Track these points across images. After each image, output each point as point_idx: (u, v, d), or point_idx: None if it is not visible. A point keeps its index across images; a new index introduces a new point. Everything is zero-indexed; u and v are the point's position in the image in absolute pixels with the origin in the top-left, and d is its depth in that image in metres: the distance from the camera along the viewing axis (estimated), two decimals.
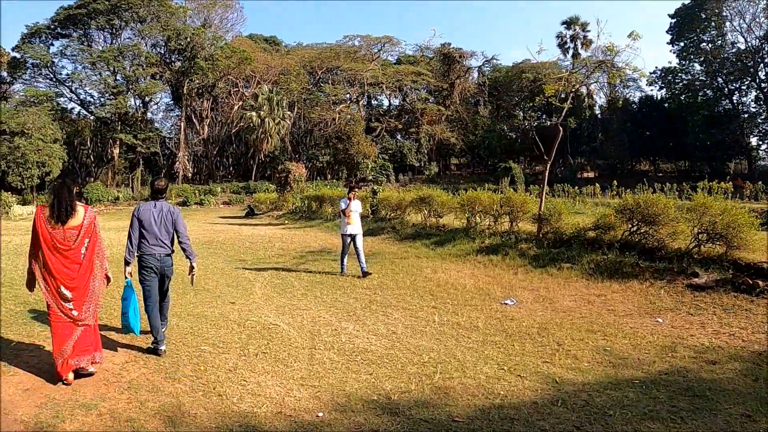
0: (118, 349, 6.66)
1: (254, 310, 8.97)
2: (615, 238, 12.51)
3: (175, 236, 6.79)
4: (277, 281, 11.49)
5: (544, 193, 15.28)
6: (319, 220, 25.50)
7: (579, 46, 61.10)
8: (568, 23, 60.79)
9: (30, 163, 38.60)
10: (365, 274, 12.01)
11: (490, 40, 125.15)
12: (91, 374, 5.62)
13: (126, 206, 43.02)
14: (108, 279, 5.89)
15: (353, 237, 12.33)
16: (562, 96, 17.61)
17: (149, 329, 6.55)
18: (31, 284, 5.58)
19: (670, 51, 60.08)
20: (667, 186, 31.95)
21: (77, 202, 5.57)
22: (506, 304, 9.57)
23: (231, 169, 60.43)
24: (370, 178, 43.94)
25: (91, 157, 53.39)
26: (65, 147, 44.05)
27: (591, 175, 59.34)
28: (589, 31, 60.36)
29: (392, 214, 21.74)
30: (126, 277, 6.35)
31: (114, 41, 51.47)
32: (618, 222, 12.59)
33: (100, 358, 5.76)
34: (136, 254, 6.50)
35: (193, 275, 7.08)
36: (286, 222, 27.04)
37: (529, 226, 15.26)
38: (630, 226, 12.32)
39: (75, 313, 5.43)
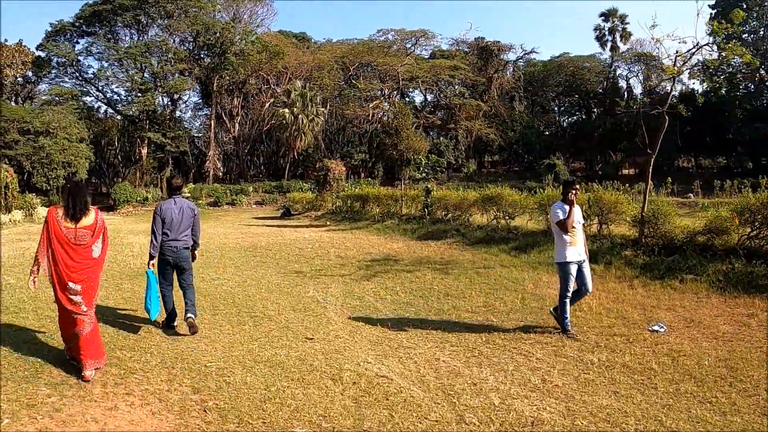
0: None
1: (343, 350, 6.58)
2: (729, 243, 10.78)
3: (191, 232, 7.19)
4: (354, 302, 9.08)
5: (648, 191, 12.77)
6: (365, 221, 23.10)
7: (618, 38, 58.87)
8: (606, 15, 58.54)
9: (55, 164, 36.84)
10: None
11: (525, 33, 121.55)
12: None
13: (154, 207, 41.20)
14: None
15: (580, 265, 7.41)
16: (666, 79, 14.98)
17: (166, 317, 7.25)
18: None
19: (711, 44, 56.77)
20: (727, 183, 29.54)
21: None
22: (656, 330, 7.33)
23: (262, 168, 58.51)
24: (418, 176, 41.35)
25: (119, 157, 51.83)
26: (92, 147, 42.25)
27: (629, 172, 56.46)
28: (628, 23, 58.23)
29: (450, 215, 19.37)
30: (150, 269, 6.82)
31: (141, 38, 49.50)
32: (730, 224, 10.77)
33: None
34: (158, 249, 6.89)
35: (194, 258, 7.46)
36: (328, 223, 24.71)
37: (622, 229, 13.17)
38: (750, 229, 10.58)
39: (84, 308, 5.52)
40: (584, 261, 7.42)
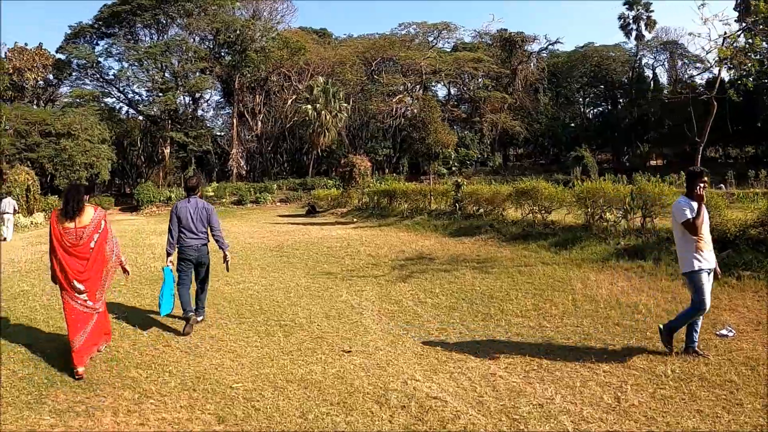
0: None
1: (385, 364, 5.81)
2: None
3: (209, 230, 7.25)
4: (392, 307, 8.29)
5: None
6: (393, 217, 22.33)
7: (642, 26, 57.53)
8: (630, 3, 57.39)
9: (77, 165, 36.54)
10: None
11: (547, 24, 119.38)
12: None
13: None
14: (125, 270, 6.30)
15: (709, 273, 5.97)
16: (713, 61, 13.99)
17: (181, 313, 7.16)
18: (54, 278, 5.77)
19: (739, 29, 55.06)
20: (762, 173, 28.24)
21: (87, 204, 5.85)
22: (725, 335, 6.51)
23: (285, 165, 57.89)
24: (444, 170, 40.17)
25: (142, 157, 51.58)
26: (114, 148, 41.94)
27: (656, 163, 55.11)
28: (652, 11, 56.92)
29: (482, 210, 18.52)
30: (167, 265, 6.94)
31: (161, 37, 49.06)
32: None
33: (105, 342, 6.19)
34: (176, 246, 7.05)
35: (228, 261, 7.42)
36: (355, 220, 23.98)
37: (667, 221, 12.05)
38: None
39: (90, 303, 5.73)
40: (712, 270, 6.03)
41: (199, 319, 7.25)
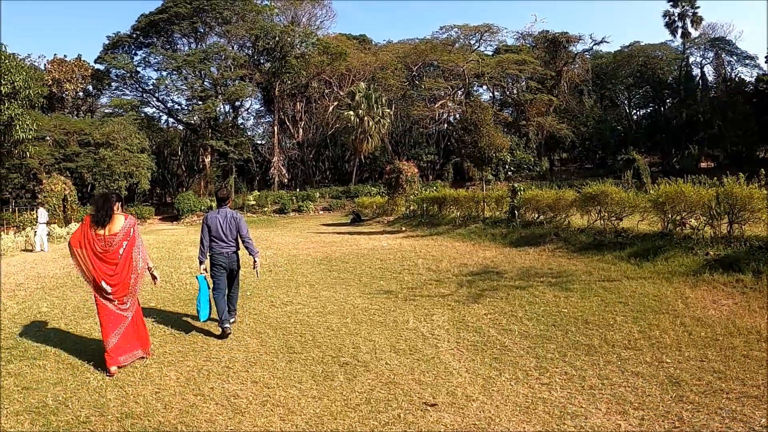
0: None
1: (486, 424, 4.38)
2: None
3: (239, 238, 7.41)
4: (472, 336, 6.78)
5: None
6: (445, 225, 20.81)
7: (688, 24, 55.49)
8: (675, 0, 54.80)
9: (116, 174, 36.06)
10: None
11: (589, 23, 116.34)
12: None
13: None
14: (154, 277, 6.40)
15: None
16: None
17: (216, 317, 7.24)
18: (85, 278, 5.97)
19: None
20: None
21: (117, 212, 5.98)
22: None
23: (327, 173, 57.03)
24: (490, 176, 38.03)
25: (183, 166, 51.27)
26: (153, 157, 41.52)
27: (706, 165, 52.66)
28: (698, 7, 54.79)
29: (542, 218, 16.94)
30: (201, 273, 7.22)
31: (199, 46, 48.47)
32: None
33: (144, 353, 6.12)
34: (207, 254, 7.29)
35: (257, 268, 7.55)
36: (404, 229, 22.54)
37: (757, 229, 10.77)
38: None
39: (116, 302, 5.85)
40: None
41: (231, 321, 7.37)
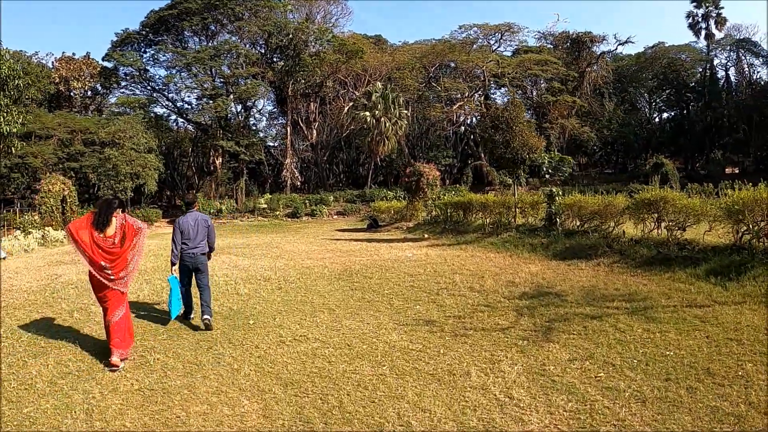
0: None
1: None
2: None
3: (207, 238, 7.87)
4: (566, 402, 4.80)
5: None
6: (473, 233, 18.73)
7: (712, 25, 54.53)
8: (698, 1, 53.32)
9: (122, 175, 34.39)
10: None
11: (612, 24, 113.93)
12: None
13: (229, 220, 38.26)
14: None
15: None
16: None
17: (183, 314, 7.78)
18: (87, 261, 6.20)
19: None
20: None
21: (114, 215, 6.28)
22: None
23: (342, 176, 55.33)
24: (509, 181, 35.75)
25: (192, 168, 49.67)
26: (161, 157, 39.96)
27: (731, 170, 50.64)
28: (722, 8, 53.71)
29: (586, 226, 14.97)
30: (173, 274, 7.51)
31: (209, 44, 46.83)
32: None
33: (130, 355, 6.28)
34: (179, 256, 7.64)
35: (209, 258, 8.08)
36: (426, 236, 20.49)
37: None
38: None
39: (112, 276, 6.14)
40: None
41: (205, 317, 7.45)
